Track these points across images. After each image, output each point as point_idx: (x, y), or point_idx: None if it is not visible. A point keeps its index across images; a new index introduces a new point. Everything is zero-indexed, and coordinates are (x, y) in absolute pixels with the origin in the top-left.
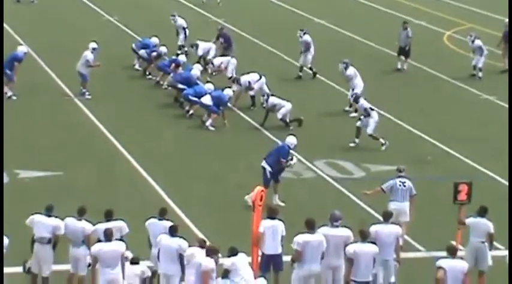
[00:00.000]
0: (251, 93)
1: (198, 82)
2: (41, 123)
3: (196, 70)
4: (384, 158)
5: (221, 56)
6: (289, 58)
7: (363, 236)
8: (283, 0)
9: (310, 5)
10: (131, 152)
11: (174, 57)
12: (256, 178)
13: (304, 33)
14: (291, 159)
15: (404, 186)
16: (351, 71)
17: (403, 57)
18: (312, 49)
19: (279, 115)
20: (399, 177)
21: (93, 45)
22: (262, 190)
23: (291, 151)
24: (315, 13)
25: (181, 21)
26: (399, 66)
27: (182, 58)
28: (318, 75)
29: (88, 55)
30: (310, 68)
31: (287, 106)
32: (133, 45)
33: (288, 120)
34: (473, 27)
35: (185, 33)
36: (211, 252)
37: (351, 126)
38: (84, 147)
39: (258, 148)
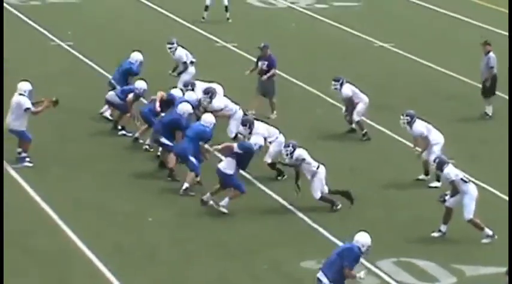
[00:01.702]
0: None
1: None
2: None
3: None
4: (486, 255)
5: (262, 94)
6: (336, 101)
7: None
8: (326, 15)
9: (366, 22)
10: (95, 249)
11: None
12: None
13: (342, 83)
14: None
15: None
16: (420, 126)
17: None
18: (360, 100)
19: (315, 195)
20: None
21: (25, 86)
22: None
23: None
24: (376, 34)
25: (180, 52)
26: (487, 111)
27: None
28: (377, 126)
29: (22, 100)
30: (358, 123)
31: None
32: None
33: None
34: None
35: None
36: None
37: (431, 202)
38: (25, 242)
39: (289, 242)
